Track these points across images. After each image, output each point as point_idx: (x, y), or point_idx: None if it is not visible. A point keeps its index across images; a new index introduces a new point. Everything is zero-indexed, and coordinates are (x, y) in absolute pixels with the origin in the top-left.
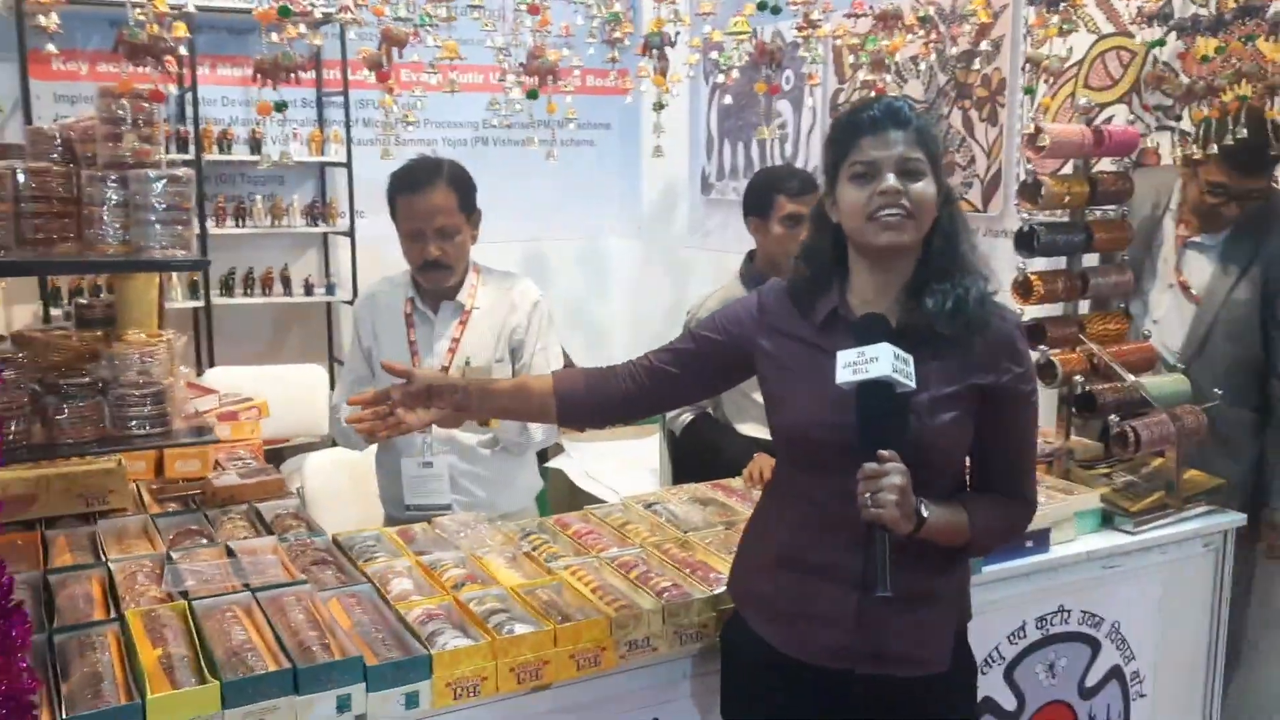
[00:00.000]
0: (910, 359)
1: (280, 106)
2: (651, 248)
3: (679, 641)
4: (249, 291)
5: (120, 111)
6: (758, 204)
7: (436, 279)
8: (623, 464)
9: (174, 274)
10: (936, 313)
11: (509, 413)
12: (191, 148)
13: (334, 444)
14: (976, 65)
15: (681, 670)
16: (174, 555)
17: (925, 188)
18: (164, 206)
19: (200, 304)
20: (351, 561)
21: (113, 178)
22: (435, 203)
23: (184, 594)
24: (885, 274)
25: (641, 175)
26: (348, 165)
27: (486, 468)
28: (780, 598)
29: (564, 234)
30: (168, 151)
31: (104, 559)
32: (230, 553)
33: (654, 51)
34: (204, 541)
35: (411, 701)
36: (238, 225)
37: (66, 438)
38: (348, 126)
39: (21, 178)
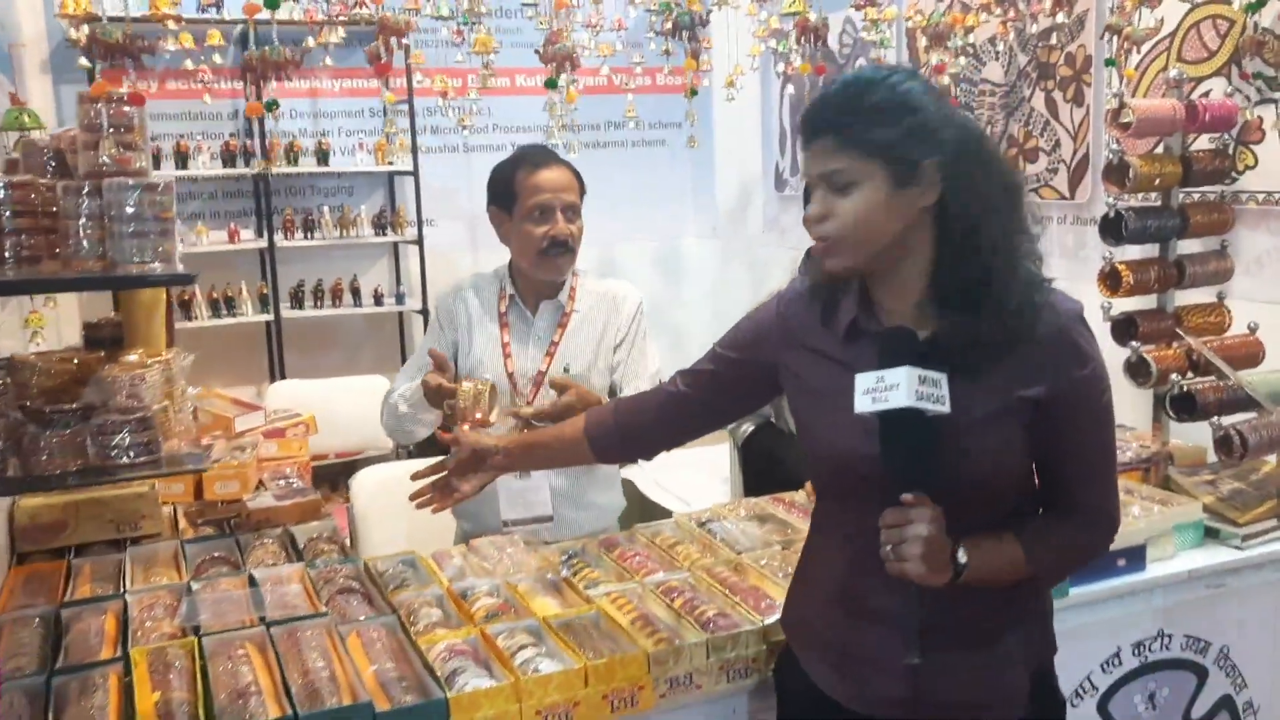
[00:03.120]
0: (942, 378)
1: (270, 106)
2: (729, 247)
3: (726, 678)
4: (319, 304)
5: (98, 118)
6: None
7: (559, 265)
8: (694, 473)
9: (243, 288)
10: (966, 323)
11: (552, 461)
12: (258, 161)
13: (398, 457)
14: (1055, 40)
15: (730, 709)
16: (194, 585)
17: (855, 202)
18: (140, 217)
19: (270, 317)
20: (380, 590)
21: (86, 188)
22: (562, 178)
23: (196, 629)
24: (894, 279)
25: (715, 173)
26: (414, 173)
27: (574, 484)
28: (832, 639)
29: (640, 236)
30: (234, 166)
31: (123, 590)
32: (253, 581)
33: (684, 33)
34: (228, 570)
35: None
36: (306, 237)
37: (46, 468)
38: (413, 134)
39: (2, 193)
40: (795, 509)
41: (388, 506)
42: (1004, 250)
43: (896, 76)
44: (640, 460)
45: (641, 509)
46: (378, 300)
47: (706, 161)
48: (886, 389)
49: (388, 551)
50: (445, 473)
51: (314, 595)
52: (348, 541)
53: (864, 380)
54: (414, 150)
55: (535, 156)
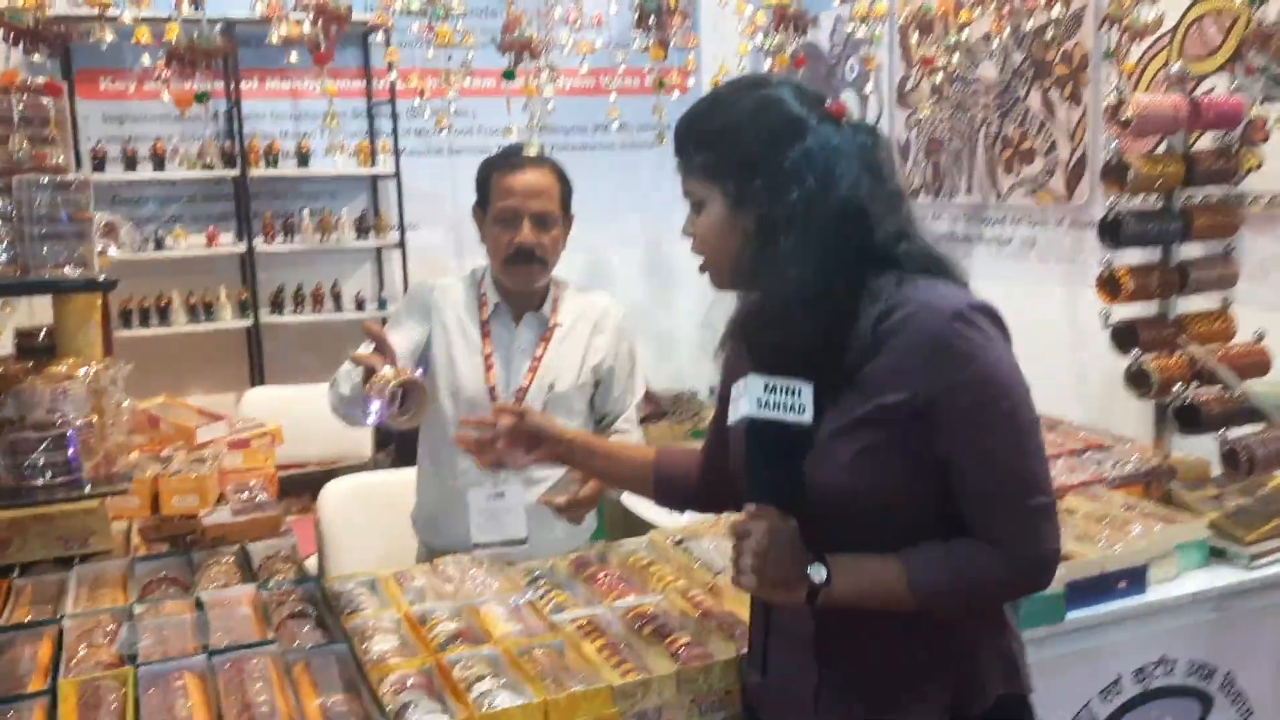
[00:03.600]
0: (801, 386)
1: (201, 98)
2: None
3: (697, 712)
4: (299, 309)
5: (9, 110)
6: None
7: (524, 275)
8: None
9: (222, 293)
10: (799, 338)
11: (605, 476)
12: (238, 163)
13: (376, 465)
14: (1051, 37)
15: None
16: (137, 609)
17: (705, 222)
18: (53, 219)
19: (249, 323)
20: (335, 614)
21: None
22: (537, 183)
23: (133, 658)
24: None
25: None
26: (396, 176)
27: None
28: (756, 663)
29: (627, 241)
30: (212, 168)
31: (61, 614)
32: (200, 605)
33: (650, 19)
34: (175, 591)
35: None
36: (286, 241)
37: None
38: (395, 137)
39: None
40: None
41: (356, 519)
42: (815, 254)
43: (745, 95)
44: (698, 510)
45: (626, 522)
46: (359, 305)
47: None
48: (739, 398)
49: (356, 566)
50: (494, 433)
51: (263, 620)
52: (312, 560)
53: (735, 389)
54: (396, 153)
55: (513, 157)
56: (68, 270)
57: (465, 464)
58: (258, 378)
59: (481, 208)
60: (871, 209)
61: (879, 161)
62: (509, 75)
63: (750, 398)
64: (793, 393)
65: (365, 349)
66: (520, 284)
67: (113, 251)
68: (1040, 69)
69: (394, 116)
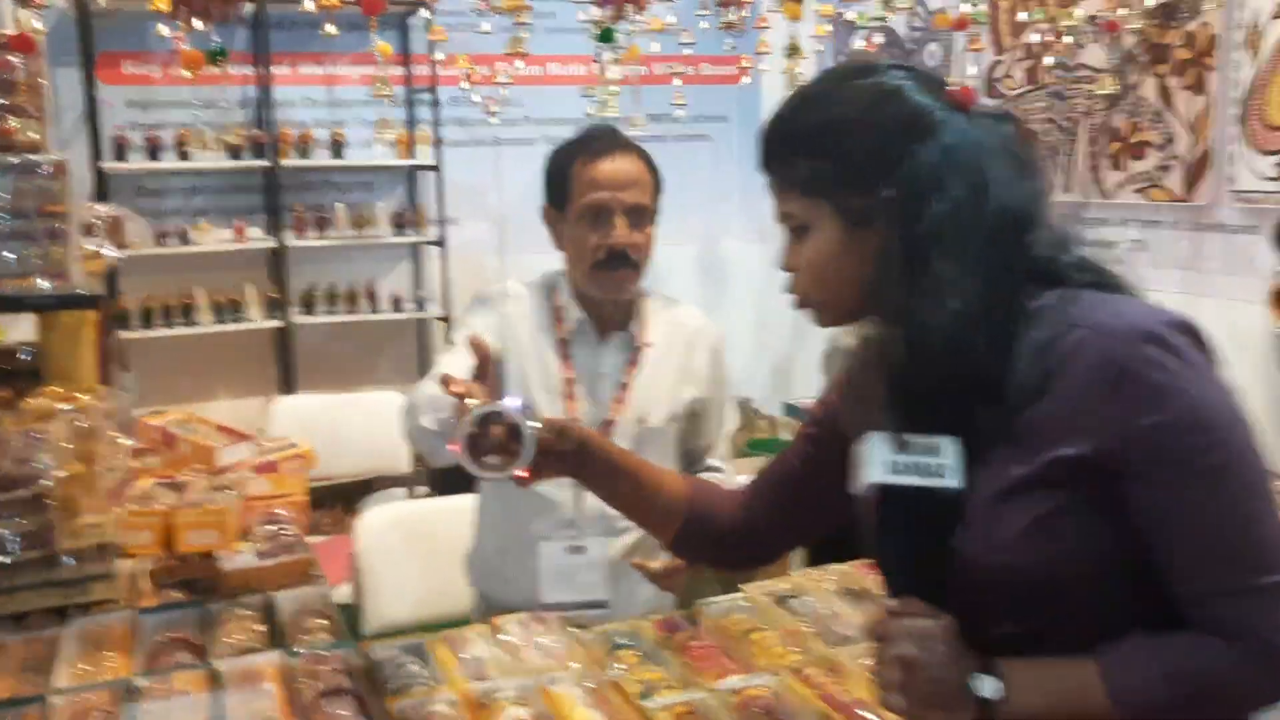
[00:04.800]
0: (947, 444)
1: (215, 57)
2: (776, 252)
3: None
4: (332, 308)
5: None
6: None
7: (617, 283)
8: None
9: (249, 290)
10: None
11: (623, 503)
12: (267, 153)
13: (417, 481)
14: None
15: None
16: (141, 683)
17: (811, 249)
18: (20, 211)
19: (279, 323)
20: (377, 688)
21: None
22: (629, 171)
23: None
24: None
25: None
26: (437, 168)
27: (629, 554)
28: None
29: (678, 239)
30: (241, 158)
31: (47, 691)
32: (216, 677)
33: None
34: (188, 657)
35: None
36: (319, 236)
37: None
38: (436, 126)
39: None
40: None
41: (397, 553)
42: (971, 273)
43: (852, 86)
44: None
45: None
46: (396, 306)
47: (754, 158)
48: (864, 465)
49: (397, 607)
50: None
51: (292, 698)
52: (345, 589)
53: (858, 454)
54: (437, 143)
55: (598, 141)
56: (39, 281)
57: (541, 507)
58: (287, 382)
59: (557, 206)
60: (1032, 214)
61: (1026, 156)
62: (606, 36)
63: (880, 460)
64: (933, 450)
65: (449, 363)
66: (612, 292)
67: (109, 252)
68: (1157, 54)
69: (435, 104)
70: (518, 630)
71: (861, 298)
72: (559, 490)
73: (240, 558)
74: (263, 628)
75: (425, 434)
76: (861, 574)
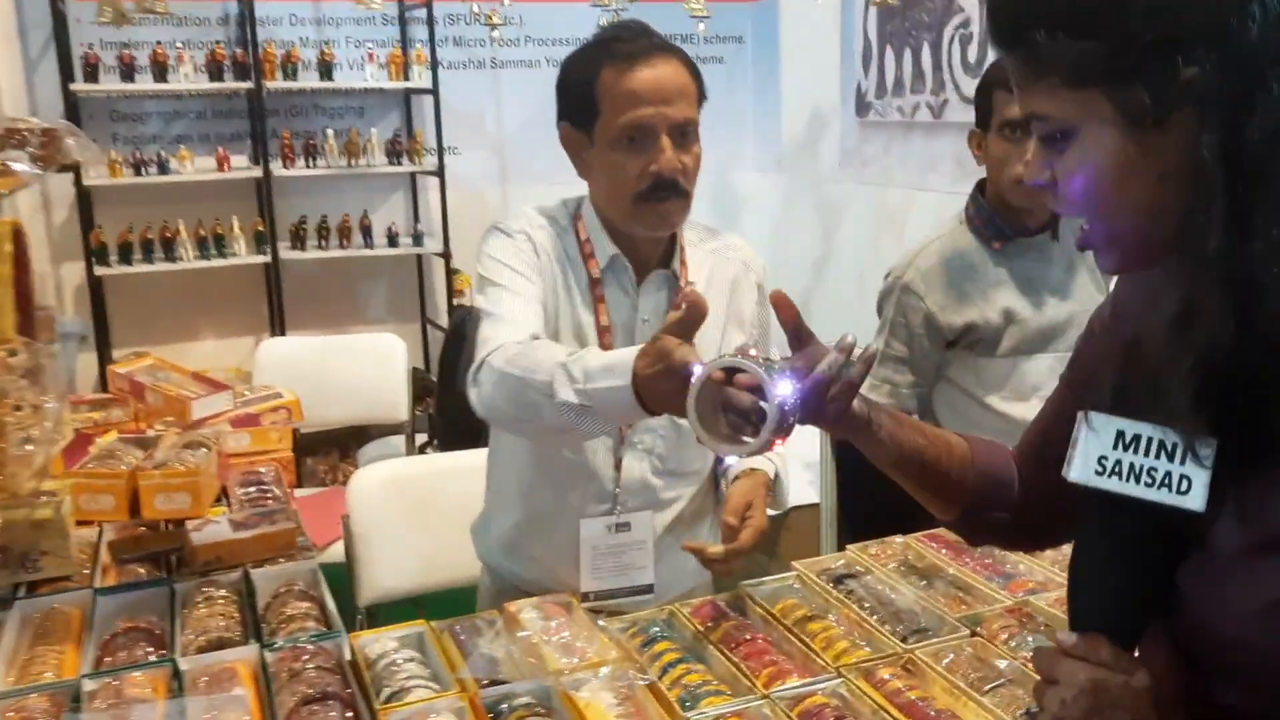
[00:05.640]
0: (1202, 449)
1: None
2: (794, 183)
3: None
4: (323, 243)
5: None
6: (978, 110)
7: (664, 216)
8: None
9: (235, 224)
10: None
11: (903, 464)
12: (251, 74)
13: (412, 430)
14: None
15: None
16: (88, 686)
17: (1084, 151)
18: None
19: (266, 259)
20: (369, 691)
21: None
22: (672, 80)
23: None
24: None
25: (781, 96)
26: (434, 92)
27: (672, 533)
28: None
29: None
30: (220, 79)
31: None
32: (177, 676)
33: None
34: (147, 650)
35: None
36: (308, 166)
37: None
38: (432, 46)
39: None
40: (965, 555)
41: (394, 516)
42: None
43: None
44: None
45: None
46: (392, 240)
47: (771, 82)
48: (1077, 442)
49: (393, 575)
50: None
51: (267, 705)
52: (337, 548)
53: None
54: (434, 65)
55: (630, 44)
56: None
57: (576, 476)
58: (276, 321)
59: (580, 127)
60: None
61: None
62: None
63: (1092, 450)
64: (1174, 454)
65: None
66: (659, 227)
67: (22, 167)
68: None
69: (430, 22)
70: (535, 619)
71: (1162, 232)
72: (594, 456)
73: (214, 527)
74: (237, 615)
75: (562, 410)
76: (923, 546)
